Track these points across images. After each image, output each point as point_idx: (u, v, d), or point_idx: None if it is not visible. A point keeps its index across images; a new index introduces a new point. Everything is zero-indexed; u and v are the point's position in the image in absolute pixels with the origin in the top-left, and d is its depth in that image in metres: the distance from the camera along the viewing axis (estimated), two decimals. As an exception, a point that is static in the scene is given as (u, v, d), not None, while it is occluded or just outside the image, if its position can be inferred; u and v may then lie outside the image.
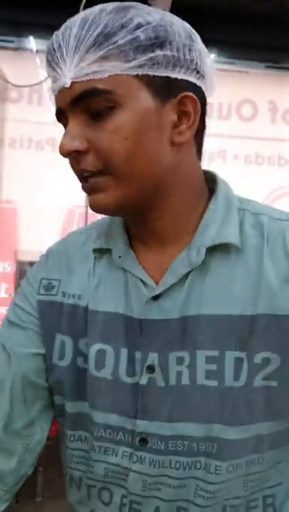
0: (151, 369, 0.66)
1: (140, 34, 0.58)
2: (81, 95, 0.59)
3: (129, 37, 0.57)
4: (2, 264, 2.38)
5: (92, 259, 0.72)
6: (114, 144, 0.59)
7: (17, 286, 1.80)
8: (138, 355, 0.66)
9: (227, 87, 2.38)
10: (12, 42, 2.31)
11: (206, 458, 0.65)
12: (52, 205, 2.36)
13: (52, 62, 0.60)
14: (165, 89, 0.60)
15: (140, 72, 0.58)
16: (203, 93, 0.65)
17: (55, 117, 0.64)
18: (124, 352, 0.67)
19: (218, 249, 0.66)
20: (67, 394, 0.71)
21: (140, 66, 0.58)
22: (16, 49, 2.32)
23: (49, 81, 0.66)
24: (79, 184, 0.64)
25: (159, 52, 0.59)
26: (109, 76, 0.58)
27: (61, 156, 0.61)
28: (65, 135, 0.60)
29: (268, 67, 2.49)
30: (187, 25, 0.64)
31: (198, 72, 0.63)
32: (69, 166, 0.63)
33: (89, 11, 0.59)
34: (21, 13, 2.18)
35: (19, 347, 0.73)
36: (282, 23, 2.22)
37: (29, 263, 1.77)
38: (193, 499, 0.66)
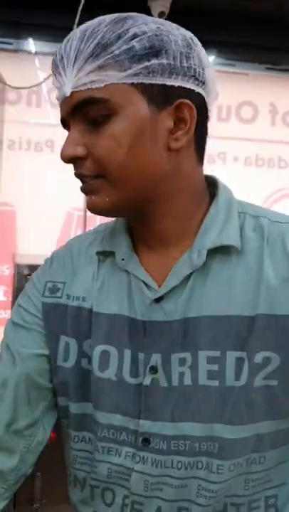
0: (154, 370, 0.67)
1: (135, 44, 0.60)
2: (79, 104, 0.62)
3: (125, 47, 0.60)
4: (0, 267, 2.37)
5: (96, 262, 0.74)
6: (109, 151, 0.62)
7: (15, 289, 1.78)
8: (141, 356, 0.68)
9: (227, 88, 2.37)
10: (11, 44, 2.30)
11: (208, 457, 0.66)
12: (50, 207, 2.35)
13: (56, 73, 0.64)
14: (161, 96, 0.63)
15: (136, 80, 0.61)
16: (204, 99, 0.66)
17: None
18: (127, 353, 0.69)
19: (219, 252, 0.68)
20: (72, 395, 0.72)
21: (136, 75, 0.61)
22: (15, 51, 2.31)
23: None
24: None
25: (154, 61, 0.61)
26: (105, 85, 0.61)
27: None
28: (66, 142, 0.64)
29: (268, 68, 2.48)
30: (188, 34, 0.66)
31: (196, 78, 0.65)
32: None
33: (89, 22, 0.63)
34: (20, 14, 2.17)
35: (23, 348, 0.74)
36: (282, 24, 2.22)
37: (27, 266, 1.76)
38: (195, 499, 0.67)
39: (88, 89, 0.61)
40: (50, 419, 0.77)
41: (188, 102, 0.63)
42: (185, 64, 0.63)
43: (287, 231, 0.69)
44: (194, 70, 0.64)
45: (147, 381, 0.67)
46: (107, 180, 0.64)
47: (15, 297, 1.81)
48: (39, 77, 2.24)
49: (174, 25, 0.66)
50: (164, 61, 0.62)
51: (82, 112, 0.63)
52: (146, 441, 0.67)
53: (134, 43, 0.61)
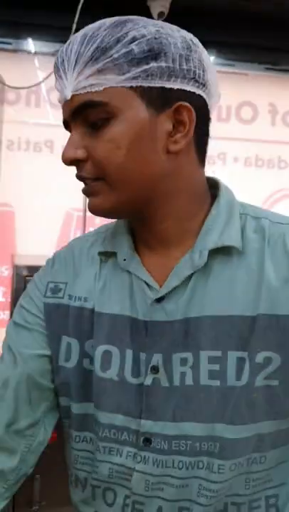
0: (155, 369, 0.68)
1: (134, 47, 0.61)
2: (79, 107, 0.63)
3: (124, 50, 0.61)
4: (-1, 267, 2.37)
5: (98, 263, 0.75)
6: (108, 154, 0.63)
7: (14, 290, 1.78)
8: (143, 356, 0.68)
9: (226, 89, 2.35)
10: (10, 44, 2.29)
11: (209, 457, 0.66)
12: (50, 208, 2.34)
13: (57, 77, 0.65)
14: (160, 99, 0.63)
15: (134, 83, 0.62)
16: (205, 101, 0.67)
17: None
18: (129, 353, 0.69)
19: (221, 253, 0.68)
20: (73, 395, 0.73)
21: (134, 78, 0.61)
22: (14, 51, 2.31)
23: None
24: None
25: (153, 64, 0.62)
26: (104, 89, 0.61)
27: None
28: (66, 144, 0.65)
29: (267, 69, 2.48)
30: (188, 36, 0.66)
31: (196, 81, 0.65)
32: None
33: (90, 26, 0.63)
34: (20, 14, 2.17)
35: (25, 348, 0.75)
36: (282, 24, 2.22)
37: (26, 267, 1.75)
38: (196, 498, 0.67)
39: (88, 92, 0.62)
40: (51, 420, 0.77)
41: (187, 104, 0.64)
42: (185, 66, 0.63)
43: (288, 232, 0.69)
44: (194, 72, 0.64)
45: (148, 381, 0.68)
46: (107, 182, 0.65)
47: (14, 298, 1.80)
48: (39, 77, 2.24)
49: (175, 28, 0.66)
50: (163, 64, 0.62)
51: (82, 115, 0.64)
52: (147, 441, 0.68)
53: (133, 46, 0.61)
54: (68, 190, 2.25)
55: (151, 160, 0.64)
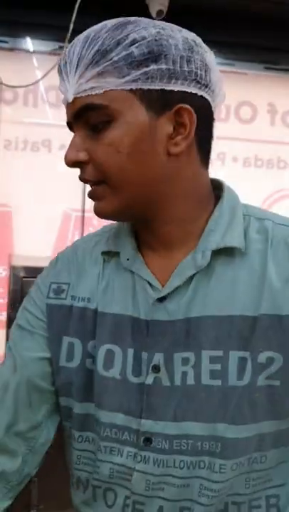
0: (156, 369, 0.68)
1: (134, 50, 0.61)
2: (80, 110, 0.64)
3: (124, 53, 0.61)
4: (-4, 268, 2.35)
5: (101, 262, 0.76)
6: (108, 157, 0.63)
7: (11, 291, 1.77)
8: (144, 355, 0.69)
9: (226, 88, 2.36)
10: (6, 42, 2.28)
11: (210, 457, 0.67)
12: (48, 208, 2.33)
13: (61, 79, 0.66)
14: (160, 101, 0.63)
15: (134, 86, 0.62)
16: (208, 102, 0.67)
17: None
18: (130, 352, 0.70)
19: (223, 253, 0.69)
20: (75, 395, 0.73)
21: (134, 81, 0.62)
22: (11, 49, 2.30)
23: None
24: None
25: (153, 67, 0.62)
26: (105, 91, 0.62)
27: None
28: (69, 146, 0.66)
29: (267, 68, 2.47)
30: (190, 36, 0.66)
31: (198, 82, 0.65)
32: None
33: (92, 28, 0.64)
34: (18, 13, 2.16)
35: (26, 351, 0.76)
36: (282, 24, 2.21)
37: (23, 268, 1.75)
38: (197, 498, 0.67)
39: (89, 95, 0.62)
40: (53, 421, 0.78)
41: (187, 107, 0.64)
42: (186, 68, 0.63)
43: None
44: (196, 73, 0.64)
45: (149, 380, 0.68)
46: (109, 185, 0.65)
47: (10, 299, 1.79)
48: (37, 76, 2.22)
49: (177, 28, 0.65)
50: (163, 66, 0.62)
51: (83, 118, 0.64)
52: (147, 440, 0.68)
53: (132, 48, 0.61)
54: (66, 190, 2.24)
55: (152, 162, 0.65)
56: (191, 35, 0.66)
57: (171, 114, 0.64)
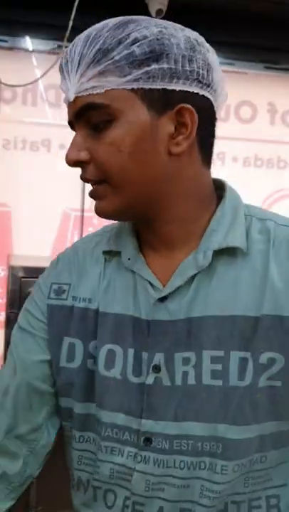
0: (157, 369, 0.68)
1: (136, 49, 0.61)
2: (82, 109, 0.63)
3: (125, 52, 0.61)
4: (-5, 268, 2.35)
5: (102, 262, 0.75)
6: (110, 156, 0.63)
7: (9, 291, 1.77)
8: (145, 355, 0.69)
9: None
10: (5, 41, 2.28)
11: (211, 458, 0.66)
12: (47, 207, 2.33)
13: (62, 78, 0.65)
14: (161, 101, 0.63)
15: (135, 86, 0.62)
16: (210, 101, 0.67)
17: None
18: (131, 352, 0.70)
19: (225, 253, 0.68)
20: (76, 395, 0.73)
21: (135, 80, 0.61)
22: (10, 48, 2.29)
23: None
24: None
25: (154, 66, 0.61)
26: (106, 91, 0.62)
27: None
28: (70, 146, 0.65)
29: (267, 67, 2.47)
30: (193, 35, 0.65)
31: (200, 81, 0.64)
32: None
33: (94, 27, 0.63)
34: (17, 12, 2.16)
35: (27, 353, 0.76)
36: (281, 24, 2.21)
37: (22, 268, 1.74)
38: (198, 499, 0.67)
39: (90, 94, 0.62)
40: (54, 423, 0.78)
41: (189, 106, 0.63)
42: (187, 67, 0.63)
43: None
44: (198, 73, 0.64)
45: (150, 380, 0.68)
46: (110, 185, 0.65)
47: (9, 299, 1.79)
48: (36, 75, 2.22)
49: (179, 27, 0.65)
50: (165, 65, 0.62)
51: (85, 117, 0.64)
52: (148, 440, 0.68)
53: (134, 48, 0.61)
54: (66, 189, 2.24)
55: (153, 162, 0.64)
56: (194, 34, 0.66)
57: (172, 114, 0.63)
